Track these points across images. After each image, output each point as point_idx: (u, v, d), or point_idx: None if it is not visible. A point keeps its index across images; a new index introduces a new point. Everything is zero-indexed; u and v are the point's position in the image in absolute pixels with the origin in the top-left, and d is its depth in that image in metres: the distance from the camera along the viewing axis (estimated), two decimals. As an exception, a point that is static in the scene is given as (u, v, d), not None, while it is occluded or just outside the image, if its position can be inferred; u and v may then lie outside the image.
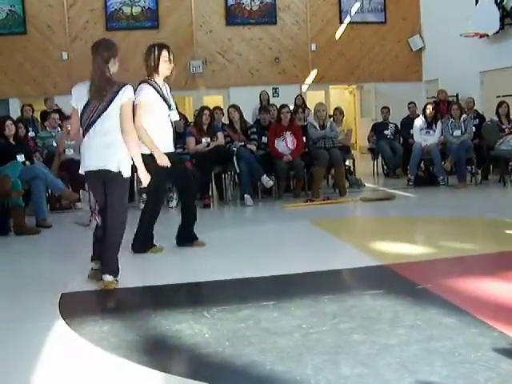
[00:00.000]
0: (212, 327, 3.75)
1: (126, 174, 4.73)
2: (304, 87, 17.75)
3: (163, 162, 5.56)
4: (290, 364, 3.13)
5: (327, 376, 2.97)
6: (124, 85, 4.89)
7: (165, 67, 5.84)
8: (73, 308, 4.37)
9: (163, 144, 5.70)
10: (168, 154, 5.67)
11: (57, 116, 11.10)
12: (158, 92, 5.74)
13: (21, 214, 7.58)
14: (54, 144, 10.26)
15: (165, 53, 5.87)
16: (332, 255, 5.75)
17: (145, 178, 4.94)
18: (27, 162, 8.35)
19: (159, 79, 5.85)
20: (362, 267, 5.15)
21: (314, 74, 17.62)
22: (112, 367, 3.26)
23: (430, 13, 17.78)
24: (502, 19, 14.38)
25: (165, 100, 5.78)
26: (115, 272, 4.80)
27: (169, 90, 6.02)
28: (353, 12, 18.19)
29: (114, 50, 5.19)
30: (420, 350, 3.21)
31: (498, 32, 14.37)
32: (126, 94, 4.83)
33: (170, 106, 5.83)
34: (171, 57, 5.91)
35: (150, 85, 5.74)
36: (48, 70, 16.58)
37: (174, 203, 9.43)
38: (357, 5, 18.21)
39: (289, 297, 4.25)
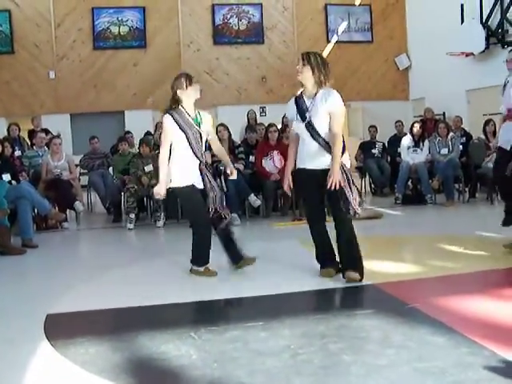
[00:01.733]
0: (199, 348, 3.70)
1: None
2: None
3: (156, 192, 5.77)
4: (279, 386, 3.09)
5: (316, 398, 2.94)
6: None
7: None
8: (58, 329, 4.30)
9: (178, 177, 5.74)
10: (188, 187, 5.70)
11: (43, 135, 11.06)
12: (177, 121, 5.75)
13: (6, 234, 7.51)
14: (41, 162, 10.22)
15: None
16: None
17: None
18: (13, 182, 8.28)
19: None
20: (351, 287, 5.12)
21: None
22: (98, 390, 3.20)
23: (416, 32, 17.91)
24: (487, 38, 14.52)
25: (183, 129, 5.79)
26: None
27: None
28: (340, 31, 18.30)
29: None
30: (410, 371, 3.18)
31: (483, 51, 14.50)
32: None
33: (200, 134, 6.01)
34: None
35: (170, 115, 5.81)
36: (35, 89, 16.53)
37: (161, 223, 9.37)
38: (344, 24, 18.32)
39: (277, 317, 4.20)
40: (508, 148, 6.62)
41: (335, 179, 4.96)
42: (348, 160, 5.29)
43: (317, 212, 5.43)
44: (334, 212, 5.26)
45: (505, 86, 6.68)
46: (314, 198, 5.36)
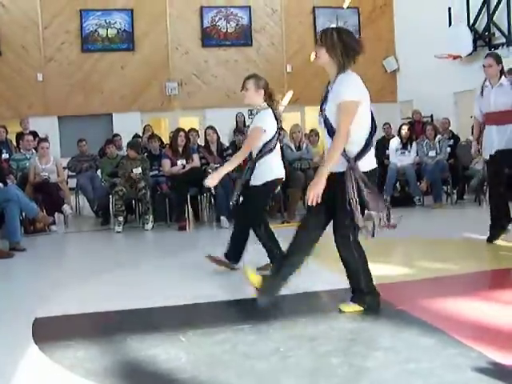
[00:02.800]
0: (188, 351, 3.69)
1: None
2: (280, 109, 17.77)
3: (210, 179, 5.79)
4: (268, 388, 3.09)
5: (305, 400, 2.94)
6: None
7: None
8: (46, 333, 4.28)
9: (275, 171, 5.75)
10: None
11: (31, 138, 11.01)
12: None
13: (-6, 238, 7.47)
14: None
15: None
16: (309, 277, 5.69)
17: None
18: (0, 185, 8.23)
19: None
20: (340, 289, 5.11)
21: (289, 95, 17.69)
22: (86, 394, 3.19)
23: (404, 35, 17.99)
24: (474, 41, 14.63)
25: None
26: None
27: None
28: (328, 34, 18.31)
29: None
30: (398, 372, 3.18)
31: (471, 54, 14.59)
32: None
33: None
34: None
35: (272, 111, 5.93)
36: (23, 91, 16.45)
37: (149, 226, 9.36)
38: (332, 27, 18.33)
39: (265, 320, 4.20)
40: (487, 157, 6.71)
41: (314, 191, 4.12)
42: (369, 164, 4.35)
43: (310, 220, 4.58)
44: (333, 228, 4.51)
45: (482, 90, 6.76)
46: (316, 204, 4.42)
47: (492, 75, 6.63)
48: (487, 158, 6.77)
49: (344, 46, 4.36)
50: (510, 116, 6.56)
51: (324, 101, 4.45)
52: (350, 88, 4.30)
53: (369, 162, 4.32)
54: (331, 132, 4.27)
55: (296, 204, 9.95)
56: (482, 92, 6.77)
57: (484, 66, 6.69)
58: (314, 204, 4.12)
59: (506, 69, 6.87)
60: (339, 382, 3.10)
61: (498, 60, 6.65)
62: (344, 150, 4.19)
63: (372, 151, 4.41)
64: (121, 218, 9.34)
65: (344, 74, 4.35)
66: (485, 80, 6.76)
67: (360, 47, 4.43)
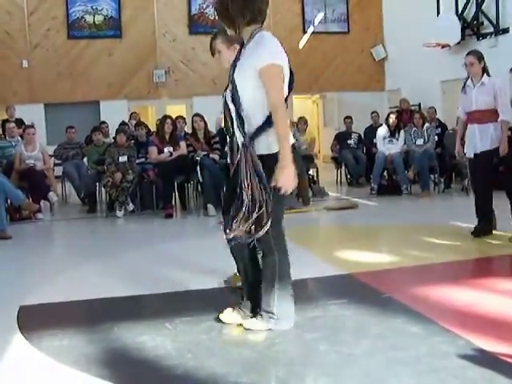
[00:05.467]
0: (174, 339, 3.67)
1: None
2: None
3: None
4: (255, 376, 3.08)
5: (292, 388, 2.93)
6: None
7: None
8: (31, 321, 4.24)
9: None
10: None
11: (13, 125, 10.91)
12: None
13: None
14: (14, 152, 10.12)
15: None
16: (296, 265, 5.66)
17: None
18: (-15, 172, 8.17)
19: None
20: (327, 276, 5.12)
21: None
22: (72, 382, 3.16)
23: (392, 23, 17.97)
24: (462, 30, 14.60)
25: None
26: None
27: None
28: (316, 22, 18.29)
29: None
30: (385, 360, 3.18)
31: (459, 43, 14.57)
32: None
33: None
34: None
35: None
36: (8, 78, 16.29)
37: (121, 213, 9.39)
38: (320, 15, 18.31)
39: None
40: (471, 155, 6.70)
41: (284, 177, 3.43)
42: (268, 146, 3.58)
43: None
44: None
45: (464, 88, 6.74)
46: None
47: (474, 73, 6.58)
48: (471, 156, 6.75)
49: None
50: (491, 115, 6.54)
51: (232, 69, 3.71)
52: (269, 47, 3.56)
53: (269, 144, 3.58)
54: (237, 105, 3.61)
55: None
56: (464, 91, 6.75)
57: (466, 65, 6.65)
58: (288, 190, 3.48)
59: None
60: (327, 370, 3.09)
61: (480, 58, 6.57)
62: (243, 126, 3.60)
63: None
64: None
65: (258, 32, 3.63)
66: (467, 78, 6.73)
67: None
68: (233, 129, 3.85)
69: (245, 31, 3.65)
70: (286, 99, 3.65)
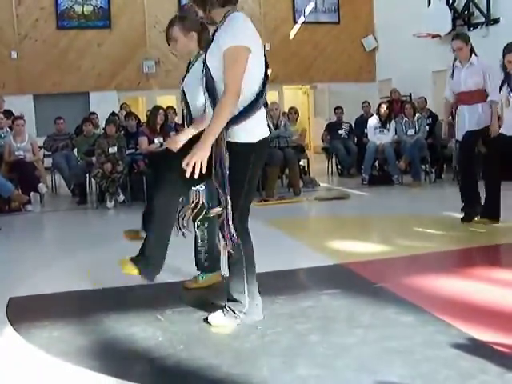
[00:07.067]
0: (166, 330, 3.65)
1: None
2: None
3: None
4: (246, 366, 3.06)
5: (284, 378, 2.91)
6: None
7: None
8: (21, 313, 4.21)
9: None
10: None
11: (1, 116, 10.83)
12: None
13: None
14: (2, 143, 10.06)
15: None
16: (287, 255, 5.68)
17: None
18: (-26, 163, 8.12)
19: None
20: (318, 267, 5.10)
21: (268, 73, 17.58)
22: (62, 374, 3.13)
23: (383, 13, 17.96)
24: (453, 20, 14.62)
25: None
26: None
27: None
28: (307, 12, 18.24)
29: None
30: (378, 350, 3.16)
31: (449, 33, 14.54)
32: None
33: None
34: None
35: None
36: (-4, 69, 16.21)
37: (111, 204, 9.36)
38: (311, 5, 18.27)
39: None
40: (460, 138, 6.72)
41: (194, 157, 3.26)
42: (248, 133, 3.46)
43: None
44: None
45: (453, 70, 6.76)
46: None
47: (464, 57, 6.63)
48: (460, 138, 6.76)
49: None
50: (480, 96, 6.58)
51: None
52: (236, 27, 3.40)
53: (248, 132, 3.46)
54: (211, 90, 3.47)
55: (274, 182, 9.91)
56: (452, 72, 6.77)
57: (453, 50, 6.67)
58: (189, 174, 3.26)
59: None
60: (319, 360, 3.08)
61: (467, 40, 6.64)
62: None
63: (257, 118, 3.50)
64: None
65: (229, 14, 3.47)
66: (455, 60, 6.75)
67: None
68: (189, 119, 3.85)
69: (217, 13, 3.50)
70: (263, 84, 3.59)
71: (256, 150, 3.48)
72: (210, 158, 3.38)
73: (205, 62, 3.50)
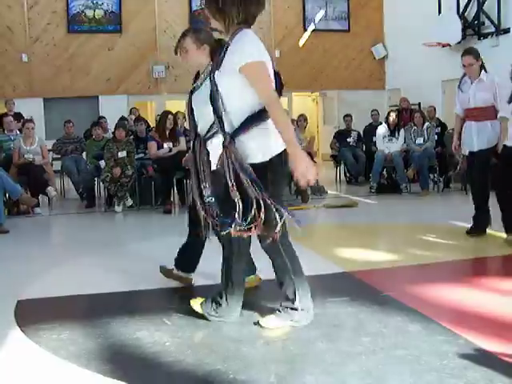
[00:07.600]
0: (173, 335, 3.66)
1: None
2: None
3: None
4: (254, 372, 3.06)
5: (291, 385, 2.91)
6: None
7: None
8: (29, 315, 4.22)
9: None
10: None
11: (10, 119, 10.87)
12: None
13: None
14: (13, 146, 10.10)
15: None
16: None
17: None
18: (-16, 166, 8.14)
19: None
20: (326, 274, 5.10)
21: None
22: (70, 377, 3.14)
23: (393, 22, 17.96)
24: (463, 29, 14.61)
25: None
26: None
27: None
28: (317, 20, 18.26)
29: None
30: (385, 358, 3.16)
31: (459, 42, 14.56)
32: None
33: None
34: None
35: None
36: (7, 72, 16.28)
37: (120, 208, 9.37)
38: (321, 13, 18.28)
39: (250, 304, 4.16)
40: (467, 153, 6.66)
41: (305, 164, 3.29)
42: (256, 149, 3.49)
43: None
44: None
45: (460, 86, 6.68)
46: None
47: (474, 73, 6.49)
48: (466, 153, 6.71)
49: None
50: (489, 113, 6.45)
51: (215, 67, 3.58)
52: (249, 43, 3.44)
53: (260, 150, 3.49)
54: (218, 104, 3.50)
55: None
56: (461, 87, 6.68)
57: (464, 66, 6.55)
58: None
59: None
60: (326, 368, 3.08)
61: (477, 56, 6.47)
62: (222, 125, 3.51)
63: (268, 134, 3.49)
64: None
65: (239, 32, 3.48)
66: (464, 75, 6.66)
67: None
68: (196, 131, 3.85)
69: (231, 28, 3.53)
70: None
71: (272, 167, 3.50)
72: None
73: (212, 77, 3.53)
